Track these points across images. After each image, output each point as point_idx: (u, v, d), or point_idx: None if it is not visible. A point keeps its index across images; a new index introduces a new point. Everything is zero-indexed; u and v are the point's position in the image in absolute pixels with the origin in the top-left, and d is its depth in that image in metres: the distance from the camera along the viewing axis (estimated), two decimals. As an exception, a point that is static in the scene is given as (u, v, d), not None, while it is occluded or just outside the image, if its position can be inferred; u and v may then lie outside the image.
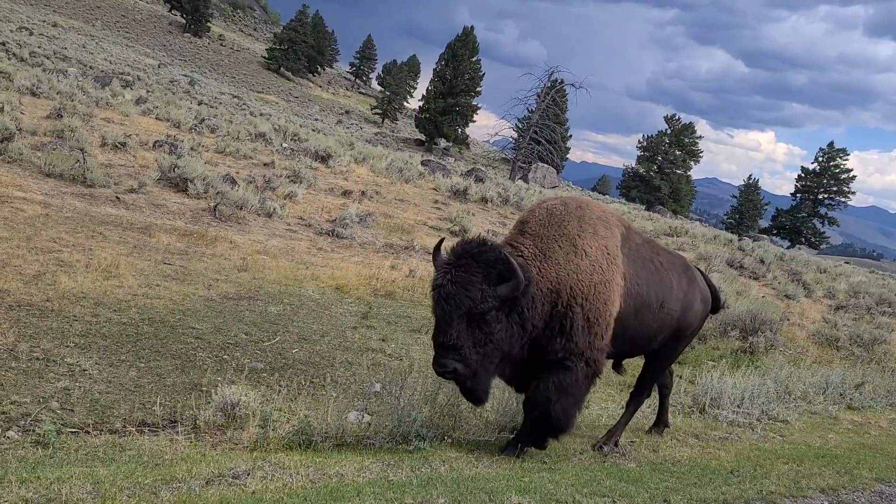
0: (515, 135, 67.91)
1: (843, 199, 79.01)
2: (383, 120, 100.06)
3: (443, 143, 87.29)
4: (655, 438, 6.91)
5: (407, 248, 15.24)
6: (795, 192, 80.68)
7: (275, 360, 7.24)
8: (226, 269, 10.21)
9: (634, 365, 7.01)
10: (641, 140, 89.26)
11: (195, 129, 24.02)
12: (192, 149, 18.52)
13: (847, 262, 46.90)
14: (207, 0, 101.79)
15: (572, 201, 5.71)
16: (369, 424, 5.51)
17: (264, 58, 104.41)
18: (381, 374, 7.48)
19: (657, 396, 7.22)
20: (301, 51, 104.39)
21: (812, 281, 24.12)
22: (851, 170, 78.77)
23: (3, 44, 41.22)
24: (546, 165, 63.25)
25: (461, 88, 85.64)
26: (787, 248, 56.66)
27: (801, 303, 20.12)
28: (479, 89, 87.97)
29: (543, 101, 64.57)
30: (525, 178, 55.96)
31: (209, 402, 5.32)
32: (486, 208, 24.58)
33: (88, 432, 4.87)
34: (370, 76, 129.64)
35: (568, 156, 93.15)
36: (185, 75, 68.29)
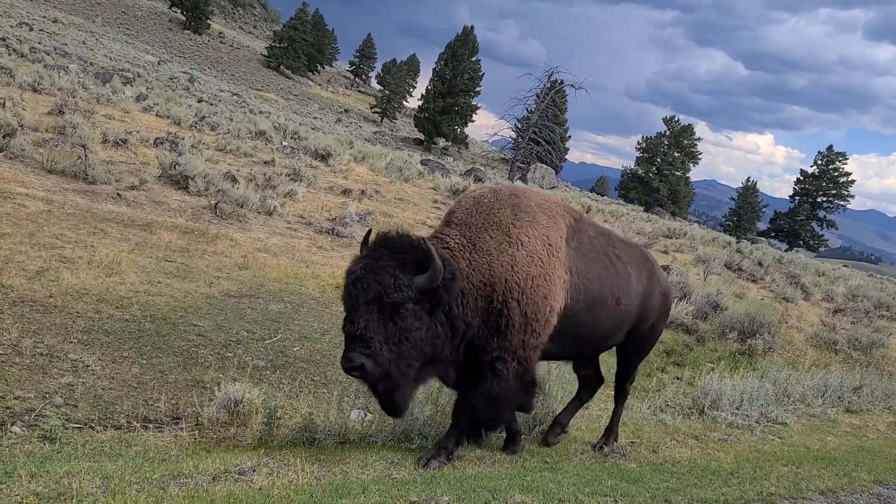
0: (514, 135, 68.03)
1: (841, 203, 79.15)
2: (382, 119, 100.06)
3: (442, 142, 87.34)
4: (561, 440, 6.32)
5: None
6: (794, 194, 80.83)
7: (276, 358, 7.27)
8: (227, 267, 10.23)
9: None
10: (640, 141, 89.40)
11: (195, 127, 24.01)
12: (192, 146, 18.54)
13: (845, 266, 47.00)
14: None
15: (506, 189, 5.33)
16: (371, 423, 5.54)
17: (264, 56, 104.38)
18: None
19: (581, 398, 6.59)
20: (301, 49, 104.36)
21: (810, 284, 24.19)
22: (850, 173, 78.93)
23: (4, 39, 41.16)
24: (545, 166, 63.31)
25: (461, 88, 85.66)
26: (786, 250, 56.77)
27: (800, 305, 20.18)
28: (478, 89, 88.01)
29: (543, 102, 64.65)
30: (524, 179, 55.99)
31: (212, 400, 5.34)
32: (485, 208, 24.58)
33: (93, 427, 4.90)
34: (370, 75, 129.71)
35: (567, 156, 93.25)
36: (185, 72, 68.24)
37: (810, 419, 9.22)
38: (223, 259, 10.64)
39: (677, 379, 10.54)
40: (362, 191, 20.27)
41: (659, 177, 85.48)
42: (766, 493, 5.58)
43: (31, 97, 20.31)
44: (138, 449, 4.41)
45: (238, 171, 17.75)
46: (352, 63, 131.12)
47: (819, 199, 78.75)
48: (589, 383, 6.49)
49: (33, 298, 7.01)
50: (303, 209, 16.15)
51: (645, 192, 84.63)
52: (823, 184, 78.56)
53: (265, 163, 20.50)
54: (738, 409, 8.46)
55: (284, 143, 26.22)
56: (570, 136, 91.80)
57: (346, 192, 19.66)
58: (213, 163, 17.55)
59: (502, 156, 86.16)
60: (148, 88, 34.90)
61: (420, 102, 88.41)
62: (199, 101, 40.57)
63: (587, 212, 31.61)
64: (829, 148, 79.78)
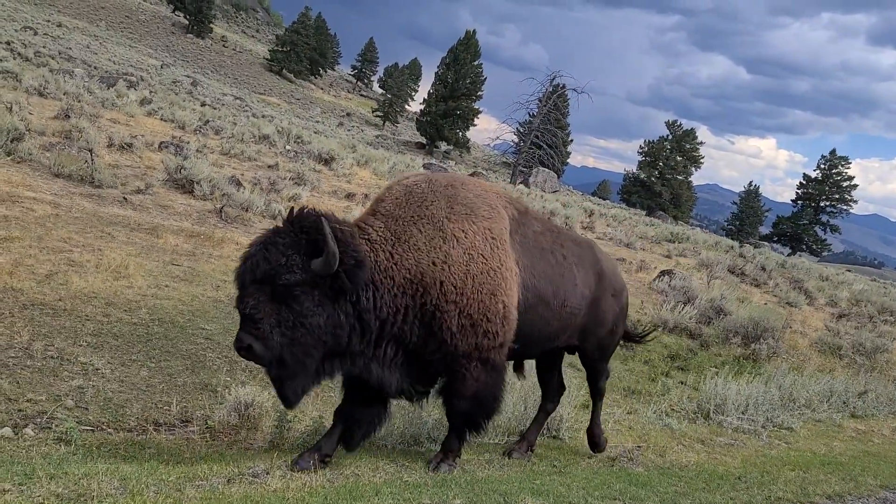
0: (516, 139, 68.14)
1: (844, 207, 79.10)
2: (384, 123, 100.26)
3: (444, 146, 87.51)
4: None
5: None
6: (797, 199, 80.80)
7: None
8: (233, 271, 10.26)
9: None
10: (643, 145, 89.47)
11: (200, 131, 24.10)
12: (197, 151, 18.60)
13: (849, 270, 47.00)
14: (210, 1, 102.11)
15: (442, 178, 4.94)
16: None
17: (266, 59, 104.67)
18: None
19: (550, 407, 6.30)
20: (303, 53, 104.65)
21: (814, 289, 24.19)
22: (853, 177, 78.91)
23: (9, 43, 41.33)
24: (547, 170, 63.38)
25: (463, 92, 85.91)
26: (788, 255, 56.76)
27: (803, 310, 20.19)
28: (480, 93, 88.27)
29: (545, 106, 64.77)
30: (526, 183, 56.05)
31: (222, 403, 5.37)
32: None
33: (103, 430, 4.93)
34: (372, 79, 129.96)
35: (569, 160, 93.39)
36: (188, 76, 68.45)
37: (816, 424, 9.24)
38: (229, 263, 10.67)
39: (682, 383, 10.55)
40: (365, 195, 20.31)
41: (661, 181, 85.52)
42: (774, 498, 5.61)
43: (37, 101, 20.39)
44: (152, 451, 4.45)
45: (242, 175, 17.82)
46: (354, 67, 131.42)
47: (822, 204, 78.71)
48: (551, 393, 6.17)
49: (43, 302, 7.05)
50: (307, 213, 16.17)
51: (647, 196, 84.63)
52: (826, 188, 78.52)
53: (269, 167, 20.56)
54: (743, 413, 8.48)
55: (288, 147, 26.30)
56: (572, 140, 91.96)
57: (349, 196, 19.71)
58: (217, 167, 17.62)
59: (504, 160, 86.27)
60: (151, 92, 35.00)
61: (422, 106, 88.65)
62: (203, 105, 40.71)
63: (590, 216, 31.64)
64: (833, 152, 79.77)
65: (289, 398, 4.27)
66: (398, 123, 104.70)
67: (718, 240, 39.21)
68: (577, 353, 6.06)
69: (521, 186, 44.12)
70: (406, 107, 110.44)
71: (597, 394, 6.31)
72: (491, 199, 4.91)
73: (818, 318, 19.59)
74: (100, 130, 17.72)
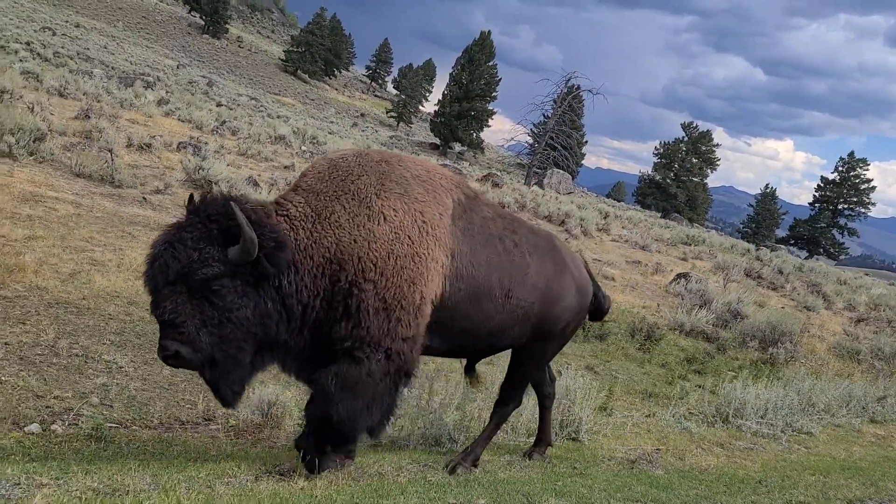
0: (531, 140, 68.01)
1: (862, 210, 78.26)
2: (398, 123, 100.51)
3: (457, 147, 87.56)
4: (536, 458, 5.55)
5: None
6: (814, 201, 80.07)
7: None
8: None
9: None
10: (658, 147, 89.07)
11: (217, 132, 24.30)
12: (215, 151, 18.76)
13: (867, 274, 46.55)
14: (226, 2, 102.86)
15: (376, 153, 4.58)
16: (402, 427, 5.59)
17: (281, 60, 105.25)
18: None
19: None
20: (318, 53, 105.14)
21: (832, 293, 24.01)
22: (871, 180, 78.11)
23: (28, 43, 41.81)
24: (561, 171, 63.23)
25: (477, 93, 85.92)
26: (805, 258, 56.30)
27: (821, 314, 20.04)
28: (494, 94, 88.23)
29: (560, 107, 64.62)
30: (540, 184, 55.96)
31: (246, 402, 5.43)
32: (503, 214, 24.62)
33: (128, 427, 5.01)
34: (386, 79, 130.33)
35: (583, 161, 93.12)
36: (203, 76, 68.94)
37: (835, 429, 9.18)
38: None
39: (699, 387, 10.50)
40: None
41: (676, 183, 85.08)
42: (795, 502, 5.60)
43: (58, 101, 20.65)
44: (179, 449, 4.51)
45: (259, 175, 17.94)
46: (368, 67, 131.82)
47: (840, 207, 77.95)
48: (544, 389, 5.60)
49: (67, 300, 7.15)
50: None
51: (662, 198, 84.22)
52: (844, 191, 77.75)
53: (285, 167, 20.69)
54: (762, 417, 8.43)
55: (303, 148, 26.46)
56: (586, 142, 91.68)
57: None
58: (235, 167, 17.75)
59: (518, 161, 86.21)
60: (168, 93, 35.31)
61: (436, 107, 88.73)
62: (219, 105, 41.02)
63: (605, 217, 31.55)
64: (851, 154, 78.98)
65: (227, 399, 4.00)
66: (412, 124, 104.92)
67: (735, 242, 38.99)
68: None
69: (536, 188, 44.10)
70: (420, 108, 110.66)
71: (502, 404, 5.23)
72: (432, 181, 4.53)
73: (836, 322, 19.44)
74: (119, 131, 17.93)
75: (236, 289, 3.77)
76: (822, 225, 77.38)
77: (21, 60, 29.39)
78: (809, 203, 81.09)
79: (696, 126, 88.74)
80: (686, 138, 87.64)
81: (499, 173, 49.79)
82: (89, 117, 18.23)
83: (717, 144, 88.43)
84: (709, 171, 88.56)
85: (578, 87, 66.50)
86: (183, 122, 24.51)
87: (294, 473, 4.04)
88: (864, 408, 10.31)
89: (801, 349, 13.77)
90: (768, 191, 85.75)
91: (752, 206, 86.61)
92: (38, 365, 5.51)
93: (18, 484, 3.30)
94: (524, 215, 25.47)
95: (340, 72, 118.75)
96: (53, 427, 4.71)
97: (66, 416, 4.93)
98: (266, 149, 22.38)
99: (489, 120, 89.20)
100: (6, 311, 6.39)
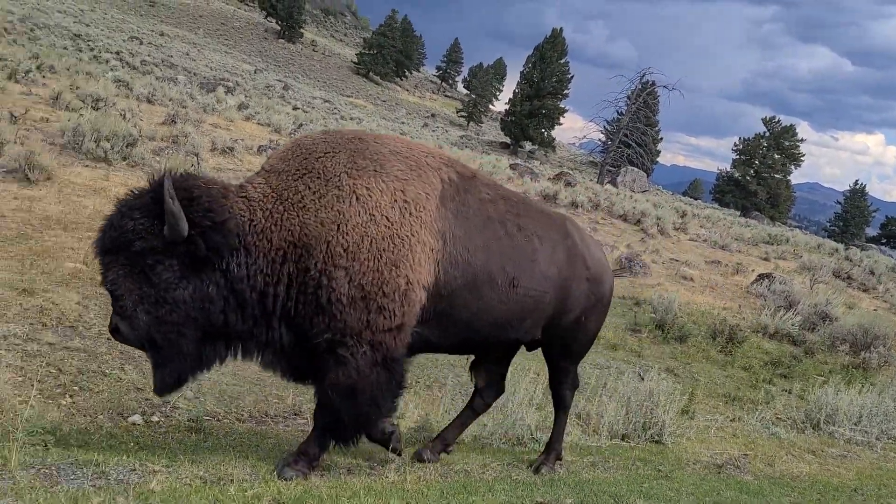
0: (603, 137, 66.96)
1: (960, 207, 73.53)
2: (468, 123, 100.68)
3: (528, 145, 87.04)
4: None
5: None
6: (906, 198, 75.79)
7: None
8: None
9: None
10: (737, 143, 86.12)
11: (294, 134, 24.95)
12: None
13: (965, 275, 43.66)
14: (301, 7, 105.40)
15: (349, 131, 4.34)
16: (485, 425, 5.63)
17: (354, 62, 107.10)
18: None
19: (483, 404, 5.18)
20: (389, 55, 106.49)
21: (928, 294, 22.68)
22: (971, 175, 73.29)
23: (118, 53, 44.04)
24: (635, 169, 61.93)
25: (548, 91, 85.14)
26: (897, 258, 53.30)
27: (917, 317, 18.95)
28: (566, 92, 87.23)
29: (634, 104, 63.29)
30: (614, 182, 55.02)
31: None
32: (576, 213, 24.38)
33: (221, 420, 5.23)
34: (456, 79, 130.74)
35: (658, 159, 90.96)
36: (280, 80, 70.93)
37: (936, 438, 8.68)
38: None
39: (786, 391, 10.14)
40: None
41: (757, 180, 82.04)
42: (895, 513, 5.34)
43: (146, 108, 21.66)
44: (272, 441, 4.69)
45: (336, 176, 18.33)
46: (438, 68, 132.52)
47: (935, 203, 73.45)
48: (483, 392, 5.11)
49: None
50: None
51: (741, 196, 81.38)
52: (940, 186, 73.20)
53: (361, 168, 21.06)
54: (856, 424, 8.06)
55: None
56: (661, 139, 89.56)
57: (439, 196, 19.94)
58: (312, 168, 18.20)
59: (591, 159, 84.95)
60: (247, 97, 36.51)
61: (507, 106, 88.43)
62: (294, 108, 42.13)
63: (682, 216, 30.73)
64: (947, 148, 74.32)
65: (165, 384, 3.83)
66: (482, 123, 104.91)
67: (821, 241, 37.30)
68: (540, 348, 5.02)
69: (609, 186, 43.39)
70: (490, 107, 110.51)
71: (560, 402, 5.08)
72: (416, 157, 4.23)
73: (934, 325, 18.34)
74: (203, 135, 18.67)
75: (172, 268, 3.63)
76: (917, 222, 73.10)
77: (112, 70, 31.01)
78: (902, 200, 76.75)
79: (779, 121, 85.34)
80: (767, 133, 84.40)
81: (571, 172, 49.25)
82: (175, 122, 19.04)
83: (802, 139, 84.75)
84: (792, 167, 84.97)
85: (653, 84, 64.94)
86: (262, 125, 25.30)
87: (383, 468, 4.14)
88: (967, 416, 9.72)
89: (895, 354, 13.08)
90: (858, 187, 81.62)
91: (839, 203, 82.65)
92: (137, 359, 5.81)
93: (134, 470, 3.52)
94: (598, 215, 25.10)
95: (411, 73, 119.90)
96: (153, 418, 4.97)
97: (164, 409, 5.19)
98: (341, 150, 22.86)
99: (560, 118, 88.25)
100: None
